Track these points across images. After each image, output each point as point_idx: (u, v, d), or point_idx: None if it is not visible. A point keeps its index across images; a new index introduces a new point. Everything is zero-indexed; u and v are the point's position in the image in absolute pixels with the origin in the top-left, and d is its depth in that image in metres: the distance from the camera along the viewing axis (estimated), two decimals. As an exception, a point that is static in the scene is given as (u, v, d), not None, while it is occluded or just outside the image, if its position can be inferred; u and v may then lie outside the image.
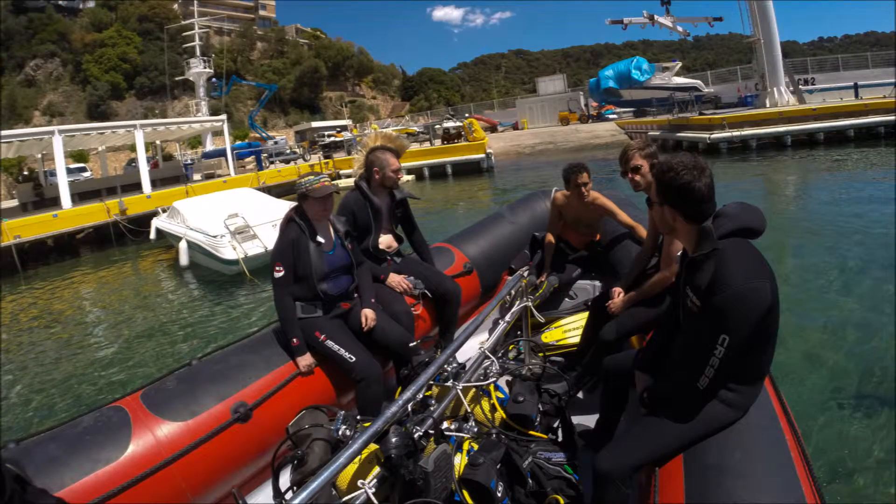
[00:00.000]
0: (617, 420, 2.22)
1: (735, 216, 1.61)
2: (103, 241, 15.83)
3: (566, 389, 2.36)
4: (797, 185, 12.71)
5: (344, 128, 41.21)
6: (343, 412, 1.87)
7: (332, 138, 33.93)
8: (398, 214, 3.17)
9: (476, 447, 1.86)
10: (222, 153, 24.84)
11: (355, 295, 2.70)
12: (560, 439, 2.19)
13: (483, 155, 22.27)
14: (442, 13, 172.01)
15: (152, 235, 13.04)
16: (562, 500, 1.79)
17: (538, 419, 2.16)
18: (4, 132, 17.02)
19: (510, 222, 4.01)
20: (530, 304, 2.91)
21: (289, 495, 1.81)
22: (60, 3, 54.27)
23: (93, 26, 54.59)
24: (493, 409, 2.14)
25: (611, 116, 35.05)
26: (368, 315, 2.61)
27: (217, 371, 2.31)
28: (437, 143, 24.79)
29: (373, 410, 2.33)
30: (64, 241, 15.44)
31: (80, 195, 18.40)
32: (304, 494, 1.32)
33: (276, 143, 35.38)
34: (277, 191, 18.21)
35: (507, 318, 2.68)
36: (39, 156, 23.52)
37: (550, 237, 3.49)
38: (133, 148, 20.94)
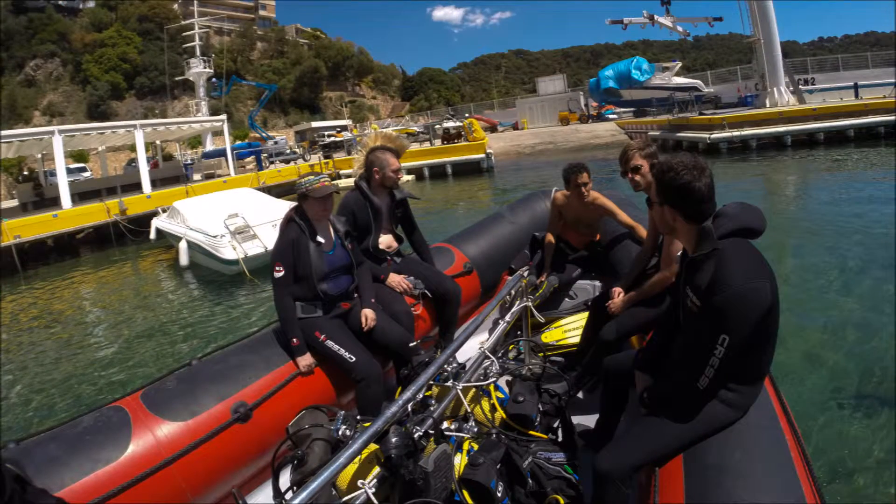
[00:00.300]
0: (617, 420, 2.22)
1: (735, 216, 1.61)
2: (103, 241, 15.83)
3: (566, 389, 2.36)
4: (797, 185, 12.71)
5: (344, 128, 41.21)
6: (343, 412, 1.87)
7: (332, 138, 33.94)
8: (398, 214, 3.17)
9: (476, 447, 1.85)
10: (222, 153, 24.84)
11: (355, 295, 2.70)
12: (560, 439, 2.19)
13: (483, 155, 22.27)
14: (442, 13, 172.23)
15: (152, 235, 13.04)
16: (562, 500, 1.79)
17: (538, 419, 2.16)
18: (4, 132, 17.01)
19: (510, 222, 4.00)
20: (530, 304, 2.91)
21: (289, 495, 1.80)
22: (60, 3, 54.26)
23: (93, 26, 54.58)
24: (493, 409, 2.13)
25: (611, 116, 35.04)
26: (368, 315, 2.61)
27: (217, 371, 2.31)
28: (437, 143, 24.79)
29: (373, 410, 2.33)
30: (64, 241, 15.44)
31: (80, 195, 18.40)
32: (304, 494, 1.32)
33: (276, 143, 35.37)
34: (277, 191, 18.21)
35: (507, 318, 2.68)
36: (39, 156, 23.52)
37: (550, 237, 3.50)
38: (133, 148, 20.94)
